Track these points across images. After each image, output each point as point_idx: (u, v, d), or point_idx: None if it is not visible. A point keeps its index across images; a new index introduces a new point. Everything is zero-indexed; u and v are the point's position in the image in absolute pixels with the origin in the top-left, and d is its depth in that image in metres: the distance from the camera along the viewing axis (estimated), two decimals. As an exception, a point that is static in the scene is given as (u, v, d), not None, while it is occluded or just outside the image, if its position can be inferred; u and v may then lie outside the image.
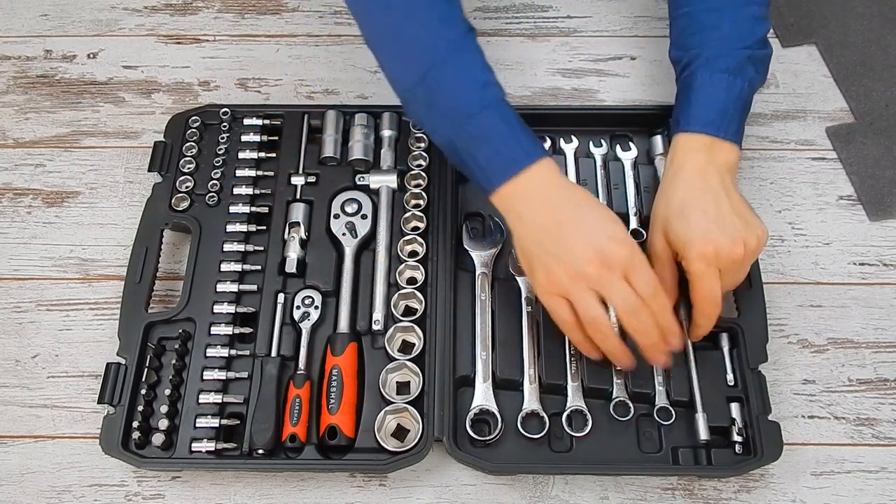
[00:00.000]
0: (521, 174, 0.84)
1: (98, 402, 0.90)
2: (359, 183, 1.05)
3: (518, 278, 0.98)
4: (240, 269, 0.98)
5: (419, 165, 1.06)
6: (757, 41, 0.94)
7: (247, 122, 1.09)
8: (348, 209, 1.03)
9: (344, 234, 1.01)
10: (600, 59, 1.20)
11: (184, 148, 1.07)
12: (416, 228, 1.02)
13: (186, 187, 1.04)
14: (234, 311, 0.96)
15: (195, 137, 1.08)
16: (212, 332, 0.94)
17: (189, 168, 1.06)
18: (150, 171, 1.06)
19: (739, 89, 0.92)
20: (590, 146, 1.08)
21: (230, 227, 1.01)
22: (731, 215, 0.87)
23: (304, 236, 1.01)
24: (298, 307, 0.96)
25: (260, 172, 1.06)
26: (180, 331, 0.94)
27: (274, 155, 1.07)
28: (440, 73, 0.85)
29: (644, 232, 1.02)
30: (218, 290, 0.97)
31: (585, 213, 0.84)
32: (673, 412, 0.90)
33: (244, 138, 1.08)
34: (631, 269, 0.81)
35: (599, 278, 0.81)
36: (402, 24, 0.87)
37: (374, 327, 0.95)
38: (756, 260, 0.95)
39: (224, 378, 0.92)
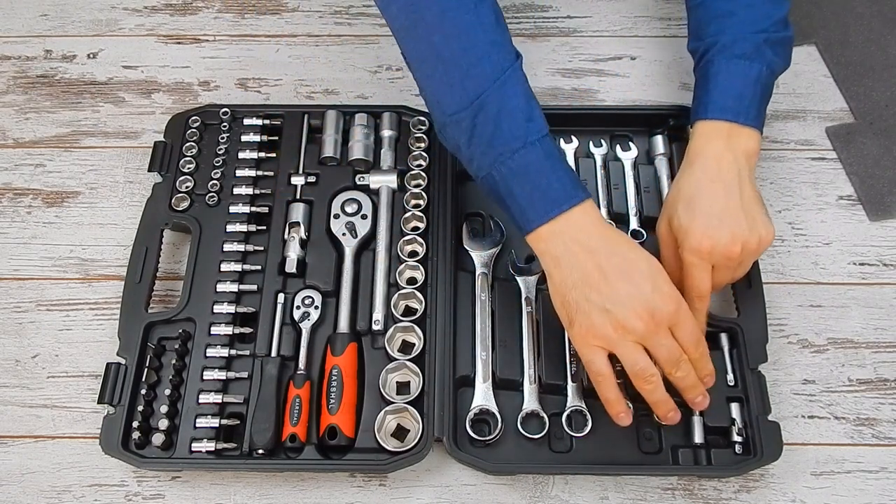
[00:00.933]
0: (562, 216, 0.81)
1: (98, 402, 0.90)
2: (359, 183, 1.05)
3: (518, 278, 0.98)
4: (240, 269, 0.98)
5: (419, 165, 1.06)
6: (774, 23, 0.93)
7: (247, 122, 1.09)
8: (348, 209, 1.03)
9: (344, 234, 1.01)
10: (600, 59, 1.20)
11: (184, 148, 1.07)
12: (416, 228, 1.02)
13: (186, 187, 1.04)
14: (234, 311, 0.96)
15: (195, 137, 1.08)
16: (212, 332, 0.94)
17: (189, 168, 1.06)
18: (150, 171, 1.06)
19: (757, 73, 0.91)
20: (590, 146, 1.08)
21: (230, 227, 1.01)
22: (738, 211, 0.86)
23: (304, 236, 1.01)
24: (298, 307, 0.96)
25: (260, 172, 1.06)
26: (180, 331, 0.94)
27: (274, 155, 1.07)
28: (488, 101, 0.81)
29: (644, 232, 1.02)
30: (218, 290, 0.97)
31: (630, 264, 0.80)
32: (673, 412, 0.90)
33: (244, 138, 1.08)
34: (677, 322, 0.80)
35: (647, 333, 0.79)
36: (454, 45, 0.82)
37: (374, 327, 0.95)
38: (756, 260, 0.95)
39: (224, 378, 0.92)
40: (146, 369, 0.92)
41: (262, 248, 1.01)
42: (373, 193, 1.05)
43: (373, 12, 1.25)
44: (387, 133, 1.08)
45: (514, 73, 0.83)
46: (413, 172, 1.05)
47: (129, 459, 0.87)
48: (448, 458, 0.89)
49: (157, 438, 0.88)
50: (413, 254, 1.00)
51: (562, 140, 1.09)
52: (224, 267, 0.99)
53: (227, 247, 1.00)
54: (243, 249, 1.00)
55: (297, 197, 1.04)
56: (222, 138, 1.08)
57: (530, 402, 0.91)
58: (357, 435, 0.90)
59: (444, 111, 0.84)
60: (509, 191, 0.82)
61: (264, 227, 1.02)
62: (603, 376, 0.82)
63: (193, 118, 1.09)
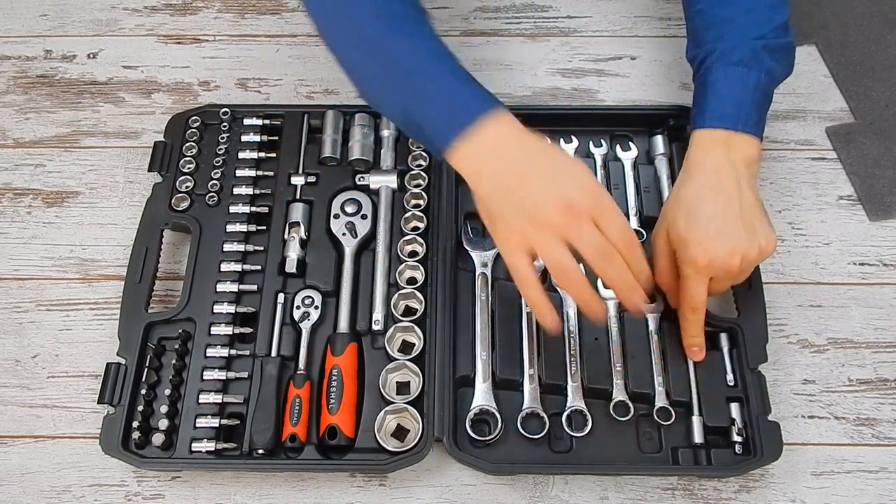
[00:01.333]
0: (477, 131, 0.79)
1: (98, 402, 0.90)
2: (359, 183, 1.05)
3: (518, 278, 0.98)
4: (240, 269, 0.98)
5: (419, 165, 1.06)
6: (774, 29, 0.92)
7: (247, 122, 1.09)
8: (348, 209, 1.03)
9: (344, 234, 1.01)
10: (600, 59, 1.20)
11: (184, 148, 1.07)
12: (416, 228, 1.02)
13: (186, 187, 1.04)
14: (234, 311, 0.96)
15: (195, 137, 1.08)
16: (212, 332, 0.94)
17: (189, 168, 1.06)
18: (150, 171, 1.06)
19: (756, 80, 0.90)
20: (590, 146, 1.08)
21: (230, 227, 1.01)
22: (737, 222, 0.85)
23: (304, 236, 1.01)
24: (298, 307, 0.96)
25: (260, 172, 1.06)
26: (180, 331, 0.94)
27: (274, 155, 1.07)
28: (386, 42, 0.84)
29: (644, 232, 1.02)
30: (218, 290, 0.97)
31: (551, 165, 0.80)
32: (673, 412, 0.90)
33: (244, 138, 1.08)
34: (599, 214, 0.77)
35: (566, 225, 0.76)
36: None
37: (374, 327, 0.95)
38: (757, 263, 0.96)
39: (224, 378, 0.92)
40: (146, 369, 0.92)
41: (262, 248, 1.01)
42: (373, 193, 1.05)
43: (373, 12, 1.25)
44: (387, 133, 1.08)
45: (410, 15, 0.85)
46: (413, 172, 1.05)
47: (129, 459, 0.87)
48: (448, 458, 0.89)
49: (157, 438, 0.88)
50: (413, 254, 1.00)
51: (562, 140, 1.09)
52: (224, 267, 0.99)
53: (227, 247, 1.00)
54: (243, 249, 1.00)
55: (297, 197, 1.04)
56: (222, 138, 1.08)
57: (530, 401, 0.91)
58: (357, 435, 0.90)
59: (348, 63, 0.89)
60: (424, 115, 0.83)
61: (264, 227, 1.02)
62: (526, 280, 0.80)
63: (193, 118, 1.09)
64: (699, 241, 0.85)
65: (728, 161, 0.88)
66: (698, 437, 0.89)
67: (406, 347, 0.95)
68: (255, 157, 1.07)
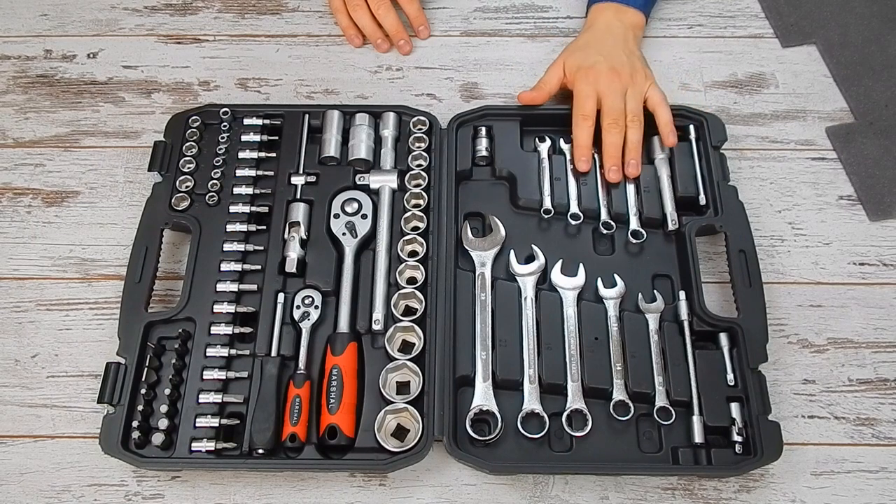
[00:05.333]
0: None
1: (98, 402, 0.90)
2: (359, 183, 1.05)
3: (518, 278, 0.98)
4: (240, 269, 0.98)
5: (419, 165, 1.06)
6: None
7: (247, 121, 1.09)
8: (348, 209, 1.03)
9: (344, 234, 1.01)
10: (600, 59, 1.20)
11: (184, 148, 1.07)
12: (416, 228, 1.02)
13: (186, 187, 1.04)
14: (234, 311, 0.96)
15: (195, 137, 1.08)
16: (212, 332, 0.94)
17: (189, 168, 1.06)
18: (150, 170, 1.06)
19: None
20: (561, 141, 1.09)
21: (230, 227, 1.01)
22: (620, 53, 1.09)
23: (304, 236, 1.01)
24: (298, 307, 0.96)
25: (260, 172, 1.06)
26: (180, 330, 0.94)
27: (274, 155, 1.07)
28: None
29: (644, 232, 1.02)
30: (218, 289, 0.97)
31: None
32: (673, 412, 0.90)
33: (244, 138, 1.08)
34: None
35: None
36: None
37: (374, 327, 0.95)
38: (756, 260, 0.97)
39: (224, 378, 0.92)
40: (146, 369, 0.92)
41: (262, 248, 1.01)
42: (373, 193, 1.05)
43: (373, 12, 1.25)
44: (387, 133, 1.08)
45: None
46: (413, 172, 1.05)
47: (128, 459, 0.87)
48: (448, 458, 0.89)
49: (157, 438, 0.88)
50: (413, 253, 1.00)
51: (562, 140, 1.09)
52: (224, 267, 0.99)
53: (227, 246, 1.00)
54: (243, 249, 1.00)
55: (297, 197, 1.04)
56: (222, 138, 1.08)
57: (530, 401, 0.91)
58: (357, 435, 0.90)
59: None
60: None
61: (264, 227, 1.02)
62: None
63: (193, 118, 1.09)
64: (589, 61, 1.08)
65: (618, 20, 1.13)
66: (698, 437, 0.89)
67: (406, 347, 0.95)
68: (255, 156, 1.07)
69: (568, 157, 1.08)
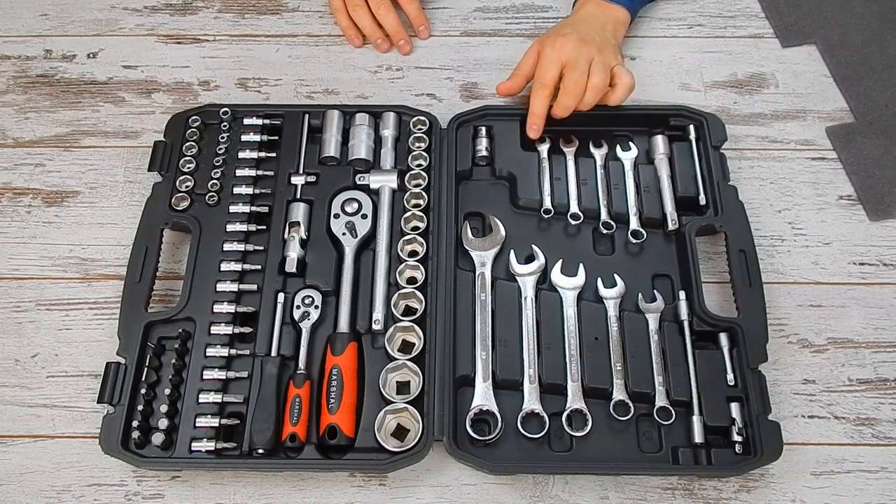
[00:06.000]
0: None
1: (98, 402, 0.90)
2: (359, 183, 1.05)
3: (518, 278, 0.98)
4: (240, 269, 0.98)
5: (419, 165, 1.06)
6: None
7: (247, 121, 1.09)
8: (348, 209, 1.03)
9: (344, 234, 1.01)
10: (600, 59, 1.20)
11: (184, 148, 1.07)
12: (416, 228, 1.02)
13: (186, 187, 1.04)
14: (234, 311, 0.96)
15: (195, 137, 1.08)
16: (212, 332, 0.94)
17: (189, 168, 1.06)
18: (150, 170, 1.06)
19: None
20: (590, 146, 1.08)
21: (230, 227, 1.01)
22: (594, 33, 1.08)
23: (304, 236, 1.01)
24: (298, 307, 0.96)
25: (260, 172, 1.06)
26: (180, 330, 0.94)
27: (274, 155, 1.07)
28: None
29: (644, 232, 1.02)
30: (218, 289, 0.97)
31: None
32: (673, 412, 0.90)
33: (244, 138, 1.08)
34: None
35: None
36: None
37: (374, 327, 0.95)
38: (756, 259, 0.97)
39: (224, 378, 0.92)
40: (146, 369, 0.92)
41: (262, 248, 1.00)
42: (373, 193, 1.05)
43: (373, 12, 1.25)
44: (387, 133, 1.08)
45: None
46: (413, 172, 1.05)
47: (128, 459, 0.87)
48: (448, 458, 0.89)
49: (157, 438, 0.88)
50: (413, 253, 1.00)
51: (562, 140, 1.09)
52: (224, 266, 0.99)
53: (227, 246, 1.00)
54: (243, 249, 1.00)
55: (297, 197, 1.04)
56: (222, 138, 1.08)
57: (530, 401, 0.91)
58: (357, 435, 0.90)
59: None
60: None
61: (264, 227, 1.02)
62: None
63: (193, 118, 1.09)
64: (561, 34, 1.07)
65: (601, 13, 1.14)
66: (698, 437, 0.88)
67: (406, 347, 0.95)
68: (255, 156, 1.07)
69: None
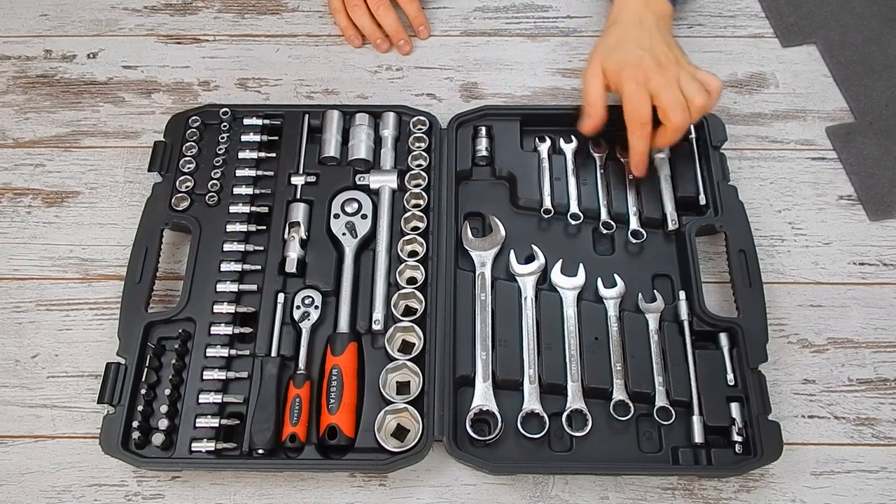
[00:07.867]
0: None
1: (98, 402, 0.90)
2: (359, 183, 1.05)
3: (518, 278, 0.98)
4: (240, 269, 0.98)
5: (419, 165, 1.06)
6: None
7: (247, 121, 1.09)
8: (348, 209, 1.03)
9: (344, 234, 1.01)
10: (600, 59, 1.20)
11: (184, 148, 1.07)
12: (416, 228, 1.02)
13: (186, 187, 1.04)
14: (234, 311, 0.96)
15: (195, 137, 1.08)
16: (212, 332, 0.94)
17: (189, 168, 1.06)
18: (150, 170, 1.06)
19: None
20: (590, 146, 1.08)
21: (230, 227, 1.01)
22: (662, 46, 1.01)
23: (304, 236, 1.01)
24: (298, 307, 0.96)
25: (260, 172, 1.06)
26: (180, 331, 0.94)
27: (274, 155, 1.07)
28: None
29: (644, 232, 1.02)
30: (218, 289, 0.97)
31: None
32: (673, 412, 0.90)
33: (244, 138, 1.08)
34: None
35: None
36: None
37: (374, 327, 0.95)
38: (756, 259, 0.97)
39: (224, 378, 0.92)
40: (146, 369, 0.92)
41: (262, 248, 1.01)
42: (373, 193, 1.05)
43: (373, 12, 1.25)
44: (387, 133, 1.08)
45: None
46: (413, 172, 1.05)
47: (128, 459, 0.87)
48: (448, 458, 0.89)
49: (157, 438, 0.88)
50: (413, 254, 1.00)
51: (562, 140, 1.09)
52: (224, 267, 0.99)
53: (227, 247, 1.00)
54: (243, 249, 1.00)
55: (297, 197, 1.04)
56: (222, 138, 1.08)
57: (530, 401, 0.91)
58: (357, 435, 0.90)
59: None
60: None
61: (264, 227, 1.02)
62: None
63: (193, 118, 1.09)
64: (635, 60, 0.99)
65: (648, 9, 1.06)
66: (698, 437, 0.89)
67: (406, 347, 0.95)
68: (255, 156, 1.07)
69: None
